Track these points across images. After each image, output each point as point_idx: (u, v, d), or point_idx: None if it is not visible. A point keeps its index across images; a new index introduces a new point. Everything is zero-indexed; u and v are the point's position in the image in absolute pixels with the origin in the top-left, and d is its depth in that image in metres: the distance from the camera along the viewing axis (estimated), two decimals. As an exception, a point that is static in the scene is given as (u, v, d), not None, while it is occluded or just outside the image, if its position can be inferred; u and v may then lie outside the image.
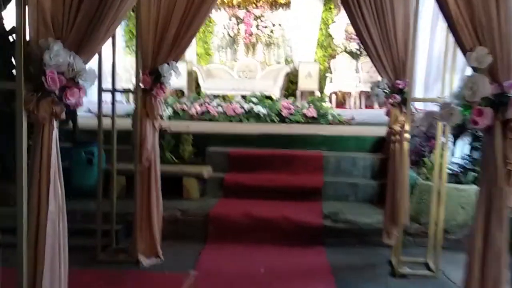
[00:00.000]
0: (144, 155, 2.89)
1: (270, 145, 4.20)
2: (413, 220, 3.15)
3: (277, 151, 4.11)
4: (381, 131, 4.47)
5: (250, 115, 6.17)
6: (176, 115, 6.31)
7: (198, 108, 6.30)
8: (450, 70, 2.82)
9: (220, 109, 6.28)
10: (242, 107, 6.26)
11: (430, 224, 2.93)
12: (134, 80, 2.97)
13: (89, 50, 1.75)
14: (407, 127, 2.77)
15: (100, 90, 3.00)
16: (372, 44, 2.80)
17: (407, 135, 2.79)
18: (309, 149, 4.15)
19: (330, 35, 8.12)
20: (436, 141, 2.93)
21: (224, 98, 6.80)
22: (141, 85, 2.88)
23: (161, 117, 2.94)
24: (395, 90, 2.82)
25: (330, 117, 5.99)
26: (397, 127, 2.81)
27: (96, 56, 2.26)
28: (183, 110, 6.33)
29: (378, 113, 6.73)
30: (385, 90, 2.87)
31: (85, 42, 1.72)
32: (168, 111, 6.29)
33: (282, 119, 6.14)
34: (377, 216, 3.39)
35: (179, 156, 4.21)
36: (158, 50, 2.82)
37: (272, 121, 6.13)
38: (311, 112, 6.08)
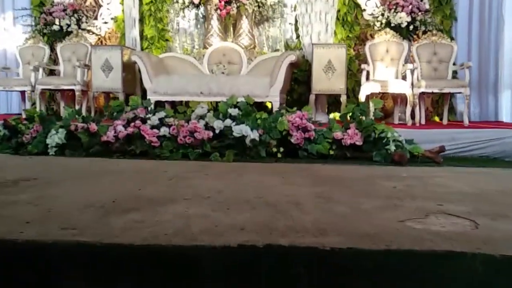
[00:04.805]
0: None
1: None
2: None
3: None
4: None
5: (226, 143, 3.02)
6: (73, 142, 3.10)
7: (122, 129, 3.12)
8: None
9: (164, 130, 3.11)
10: (209, 126, 3.11)
11: None
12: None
13: None
14: None
15: None
16: None
17: None
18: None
19: (357, 4, 5.04)
20: None
21: (181, 111, 3.62)
22: None
23: None
24: None
25: (392, 148, 2.88)
26: None
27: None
28: (89, 132, 3.12)
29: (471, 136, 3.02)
30: None
31: None
32: (58, 136, 3.08)
33: (292, 152, 3.02)
34: None
35: None
36: None
37: (271, 155, 2.99)
38: (352, 135, 2.95)
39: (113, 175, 2.15)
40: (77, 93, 4.61)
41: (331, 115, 4.98)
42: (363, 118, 3.08)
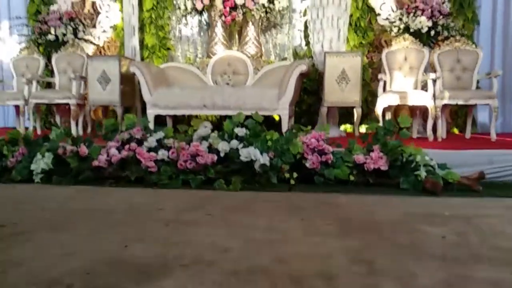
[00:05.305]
0: None
1: None
2: None
3: None
4: None
5: (232, 169, 2.66)
6: (61, 168, 2.77)
7: (115, 153, 2.77)
8: None
9: (163, 154, 2.76)
10: (213, 149, 2.76)
11: None
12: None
13: None
14: None
15: None
16: None
17: None
18: None
19: (371, 8, 4.68)
20: None
21: (181, 130, 3.27)
22: None
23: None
24: None
25: (422, 173, 2.51)
26: None
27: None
28: (79, 156, 2.79)
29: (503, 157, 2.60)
30: None
31: None
32: (45, 161, 2.75)
33: (306, 177, 2.65)
34: None
35: None
36: None
37: (283, 181, 2.63)
38: (376, 159, 2.59)
39: (97, 219, 1.80)
40: (72, 108, 4.29)
41: (342, 127, 4.63)
42: (391, 138, 2.71)
